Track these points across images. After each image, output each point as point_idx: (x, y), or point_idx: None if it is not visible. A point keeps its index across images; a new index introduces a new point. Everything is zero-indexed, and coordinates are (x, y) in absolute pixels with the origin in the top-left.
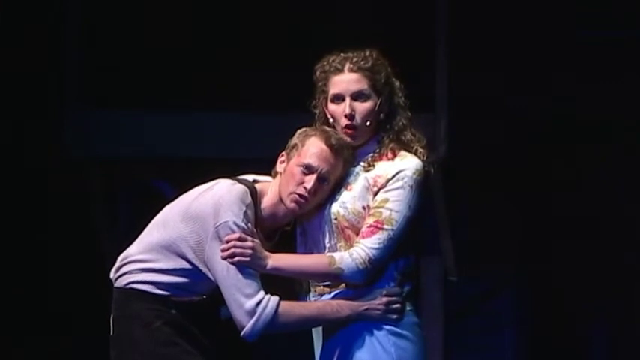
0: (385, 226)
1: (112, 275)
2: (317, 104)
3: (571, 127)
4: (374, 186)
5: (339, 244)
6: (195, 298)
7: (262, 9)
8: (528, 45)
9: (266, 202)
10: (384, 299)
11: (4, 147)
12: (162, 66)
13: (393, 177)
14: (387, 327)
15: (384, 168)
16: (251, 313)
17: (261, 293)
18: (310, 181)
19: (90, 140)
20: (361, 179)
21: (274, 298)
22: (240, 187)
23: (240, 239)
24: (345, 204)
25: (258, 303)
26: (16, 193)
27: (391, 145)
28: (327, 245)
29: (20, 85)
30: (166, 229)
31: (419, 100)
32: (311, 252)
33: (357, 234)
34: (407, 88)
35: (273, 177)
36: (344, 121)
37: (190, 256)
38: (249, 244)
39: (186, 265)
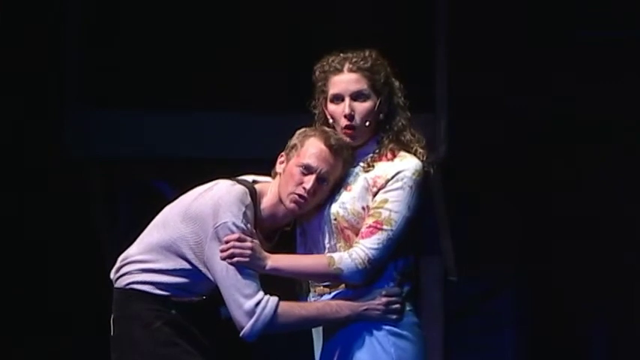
0: (384, 227)
1: (112, 276)
2: (316, 104)
3: (571, 127)
4: (373, 186)
5: (338, 245)
6: (195, 299)
7: (262, 9)
8: (528, 45)
9: (266, 203)
10: (384, 299)
11: (4, 147)
12: (162, 66)
13: (393, 177)
14: (387, 327)
15: (383, 168)
16: (250, 313)
17: (261, 294)
18: (310, 181)
19: (90, 140)
20: (360, 180)
21: (273, 299)
22: (240, 188)
23: (239, 240)
24: (345, 204)
25: (258, 303)
26: (16, 193)
27: (391, 146)
28: (327, 246)
29: (20, 85)
30: (166, 230)
31: (419, 100)
32: (311, 252)
33: (357, 234)
34: (407, 88)
35: (273, 177)
36: (343, 122)
37: (190, 256)
38: (248, 244)
39: (186, 266)
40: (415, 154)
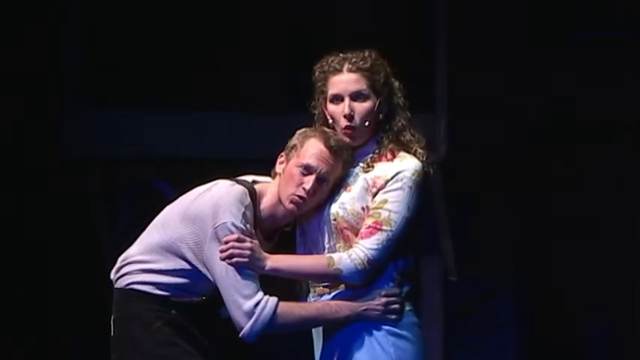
0: (384, 227)
1: (112, 276)
2: (316, 105)
3: (571, 127)
4: (373, 187)
5: (337, 245)
6: (195, 299)
7: (262, 9)
8: (528, 45)
9: (265, 203)
10: (383, 300)
11: (4, 147)
12: (162, 66)
13: (392, 178)
14: (386, 327)
15: (383, 169)
16: (249, 314)
17: (260, 294)
18: (309, 181)
19: (90, 140)
20: (360, 180)
21: (273, 299)
22: (239, 188)
23: (238, 240)
24: (344, 205)
25: (257, 304)
26: (16, 193)
27: (390, 146)
28: (327, 246)
29: (20, 85)
30: (166, 230)
31: (419, 100)
32: (310, 253)
33: (356, 235)
34: (407, 88)
35: (273, 178)
36: (343, 122)
37: (190, 256)
38: (247, 245)
39: (186, 266)
40: (415, 155)
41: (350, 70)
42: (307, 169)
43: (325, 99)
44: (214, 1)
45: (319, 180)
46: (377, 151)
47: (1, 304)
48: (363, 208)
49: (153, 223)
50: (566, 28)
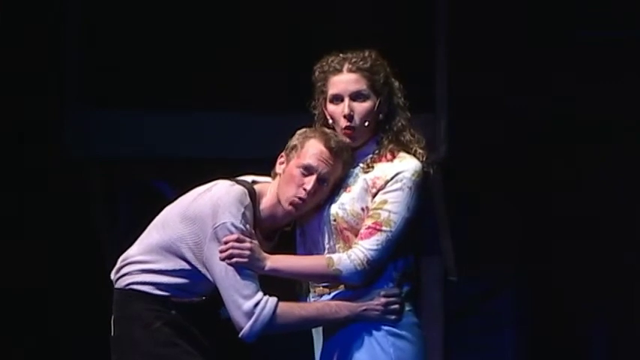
0: (383, 228)
1: (112, 276)
2: (316, 105)
3: (571, 127)
4: (373, 187)
5: (337, 246)
6: (195, 299)
7: (262, 9)
8: (528, 45)
9: (265, 203)
10: (382, 300)
11: (4, 147)
12: (162, 66)
13: (392, 178)
14: (386, 328)
15: (382, 169)
16: (249, 314)
17: (260, 294)
18: (310, 182)
19: (90, 140)
20: (360, 180)
21: (272, 300)
22: (239, 188)
23: (238, 240)
24: (344, 205)
25: (257, 304)
26: (16, 193)
27: (390, 146)
28: (326, 246)
29: (20, 85)
30: (165, 231)
31: (419, 100)
32: (310, 253)
33: (356, 235)
34: (407, 88)
35: (273, 178)
36: (343, 122)
37: (189, 257)
38: (247, 245)
39: (186, 266)
40: (415, 155)
41: (350, 70)
42: (308, 170)
43: (325, 99)
44: (214, 1)
45: (320, 181)
46: (377, 151)
47: (1, 304)
48: (362, 209)
49: (153, 224)
50: (566, 28)
